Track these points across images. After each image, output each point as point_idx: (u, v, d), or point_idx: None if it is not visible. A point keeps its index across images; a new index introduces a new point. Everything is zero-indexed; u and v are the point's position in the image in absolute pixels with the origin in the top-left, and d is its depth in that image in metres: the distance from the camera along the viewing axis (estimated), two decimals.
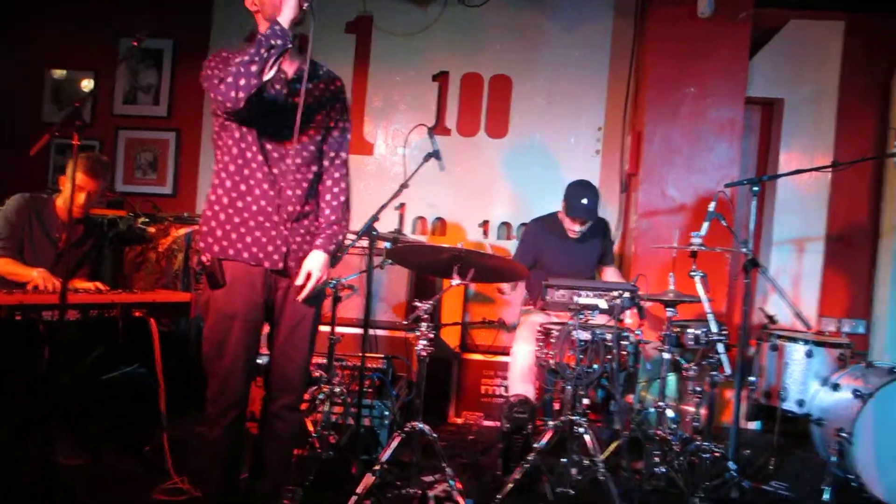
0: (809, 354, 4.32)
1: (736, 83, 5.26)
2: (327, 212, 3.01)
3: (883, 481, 3.83)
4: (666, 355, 4.02)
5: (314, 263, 2.95)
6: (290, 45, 2.65)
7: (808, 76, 5.51)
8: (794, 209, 5.53)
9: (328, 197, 3.01)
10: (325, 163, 3.01)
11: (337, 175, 3.03)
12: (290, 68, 2.88)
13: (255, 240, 2.86)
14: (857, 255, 5.63)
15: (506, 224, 5.77)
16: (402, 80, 5.83)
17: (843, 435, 3.89)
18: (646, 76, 5.39)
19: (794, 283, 5.50)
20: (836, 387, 4.16)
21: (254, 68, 2.60)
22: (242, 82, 2.61)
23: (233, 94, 2.62)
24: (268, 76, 2.63)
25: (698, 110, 5.28)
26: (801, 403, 4.31)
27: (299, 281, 2.93)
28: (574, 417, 3.55)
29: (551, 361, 3.72)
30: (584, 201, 4.39)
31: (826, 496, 3.88)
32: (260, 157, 2.83)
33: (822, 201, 5.53)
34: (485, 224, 5.77)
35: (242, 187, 2.84)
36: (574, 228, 4.47)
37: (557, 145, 5.73)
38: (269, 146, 2.84)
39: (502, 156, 5.76)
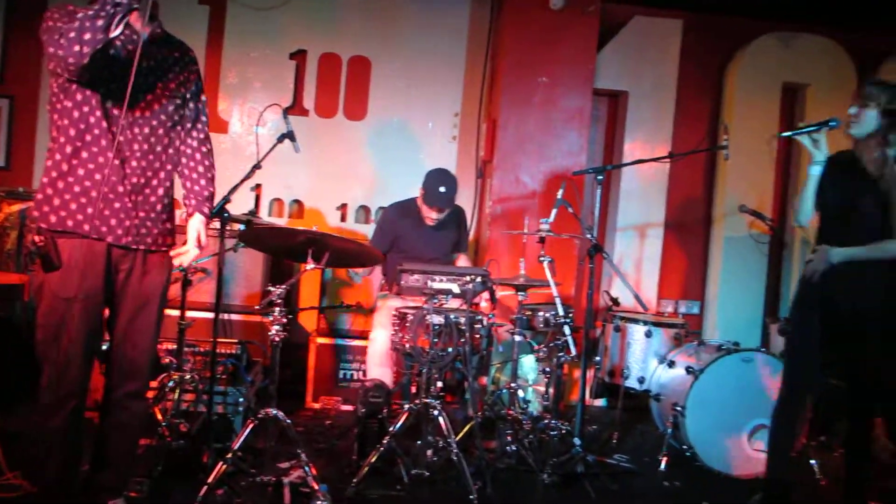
0: (648, 334, 4.58)
1: (585, 74, 5.45)
2: (203, 182, 2.97)
3: (711, 450, 4.13)
4: (517, 338, 4.14)
5: (201, 226, 2.94)
6: (136, 5, 2.49)
7: (649, 70, 5.79)
8: (637, 197, 5.81)
9: (201, 169, 2.97)
10: (189, 139, 2.94)
11: (204, 148, 2.99)
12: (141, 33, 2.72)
13: (98, 212, 2.66)
14: (693, 240, 6.00)
15: (364, 208, 5.74)
16: (258, 56, 5.64)
17: (678, 409, 4.15)
18: (501, 64, 5.47)
19: (636, 268, 5.79)
20: (671, 364, 4.43)
21: (100, 23, 2.40)
22: (87, 36, 2.40)
23: (76, 48, 2.41)
24: (114, 33, 2.45)
25: (550, 99, 5.42)
26: (641, 380, 4.56)
27: (190, 243, 2.92)
28: (428, 400, 3.60)
29: (407, 345, 3.74)
30: (442, 189, 4.42)
31: (662, 466, 4.14)
32: (104, 123, 2.64)
33: (662, 190, 5.84)
34: (343, 207, 5.71)
35: (84, 154, 2.64)
36: (431, 216, 4.49)
37: (416, 130, 5.73)
38: (115, 111, 2.66)
39: (361, 138, 5.70)
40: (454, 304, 3.90)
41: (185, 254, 2.94)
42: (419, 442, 3.62)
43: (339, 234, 3.77)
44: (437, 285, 3.73)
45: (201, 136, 2.98)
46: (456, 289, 3.73)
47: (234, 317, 4.74)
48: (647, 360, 4.58)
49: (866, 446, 3.33)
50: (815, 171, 3.29)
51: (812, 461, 4.15)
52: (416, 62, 5.71)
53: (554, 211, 4.11)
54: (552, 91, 5.42)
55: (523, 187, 5.40)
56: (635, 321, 4.66)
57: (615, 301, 4.86)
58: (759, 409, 4.09)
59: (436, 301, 3.70)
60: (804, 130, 3.27)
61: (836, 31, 5.86)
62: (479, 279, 3.75)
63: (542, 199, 5.37)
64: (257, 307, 4.12)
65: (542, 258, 4.05)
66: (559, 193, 4.13)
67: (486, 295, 4.21)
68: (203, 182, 2.98)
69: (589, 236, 4.10)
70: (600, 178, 4.21)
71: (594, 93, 5.56)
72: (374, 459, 3.49)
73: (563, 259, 5.25)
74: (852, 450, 3.37)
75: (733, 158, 5.65)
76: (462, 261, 4.86)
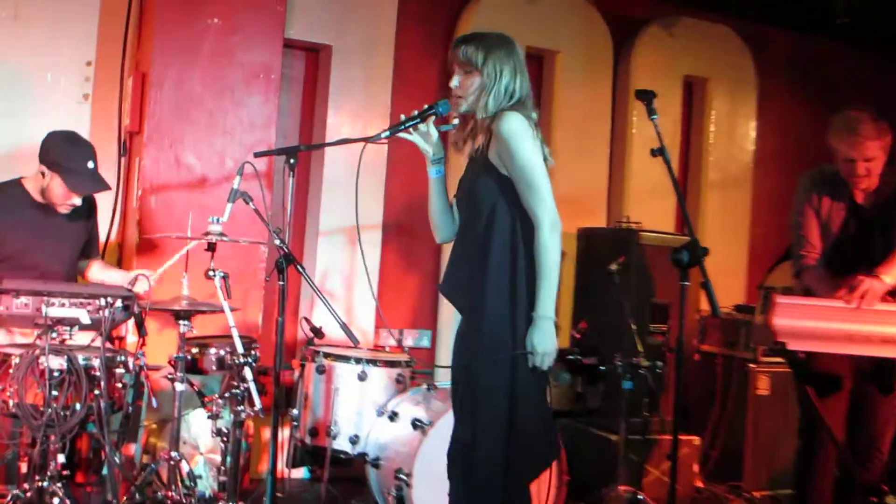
0: (363, 377, 4.64)
1: (273, 19, 5.46)
2: None
3: None
4: (180, 386, 4.05)
5: None
6: None
7: (359, 20, 5.92)
8: (346, 189, 5.84)
9: None
10: None
11: None
12: None
13: None
14: (422, 248, 6.18)
15: None
16: None
17: (402, 477, 4.24)
18: None
19: (346, 286, 5.87)
20: (393, 416, 4.53)
21: None
22: None
23: None
24: None
25: (225, 49, 5.35)
26: (354, 441, 4.61)
27: None
28: (44, 484, 3.43)
29: (10, 402, 3.50)
30: (92, 165, 4.29)
31: None
32: None
33: (380, 180, 5.97)
34: None
35: None
36: (72, 202, 4.33)
37: (28, 82, 5.34)
38: None
39: None
40: (84, 338, 3.72)
41: None
42: None
43: None
44: (56, 312, 3.55)
45: None
46: (85, 317, 3.59)
47: None
48: (361, 413, 4.65)
49: None
50: (435, 173, 3.61)
51: None
52: None
53: (228, 206, 4.06)
54: (228, 38, 5.35)
55: (187, 171, 5.27)
56: (345, 359, 4.71)
57: (317, 332, 4.88)
58: None
59: (55, 335, 3.51)
60: (406, 124, 3.46)
61: None
62: (120, 302, 3.60)
63: (214, 188, 5.28)
64: None
65: (211, 273, 4.01)
66: (235, 182, 4.08)
67: (131, 325, 4.05)
68: None
69: (278, 243, 4.07)
70: (293, 161, 4.22)
71: (286, 44, 5.59)
72: None
73: (245, 274, 5.22)
74: None
75: None
76: (97, 271, 4.69)
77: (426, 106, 3.42)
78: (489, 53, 3.34)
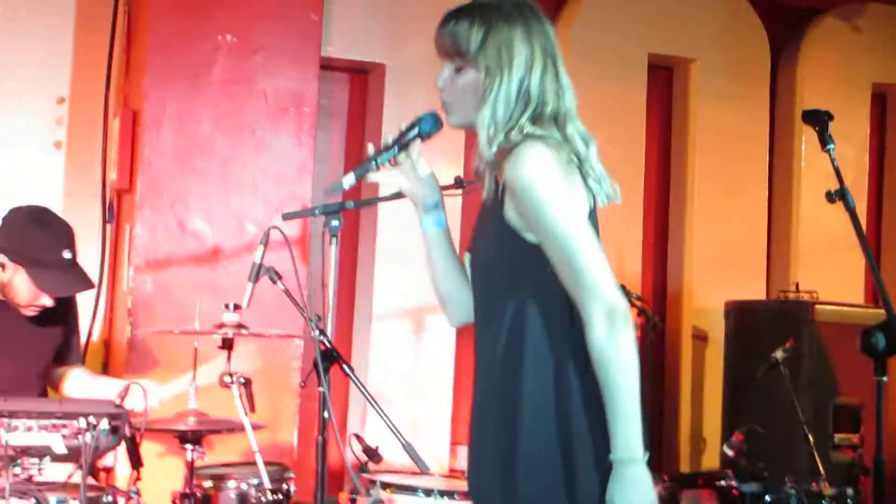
0: None
1: (305, 32, 5.55)
2: None
3: None
4: None
5: None
6: None
7: (418, 30, 5.90)
8: (405, 257, 5.85)
9: None
10: None
11: None
12: None
13: None
14: None
15: None
16: None
17: None
18: (145, 8, 5.43)
19: (410, 389, 5.82)
20: None
21: None
22: None
23: None
24: None
25: (242, 75, 5.44)
26: None
27: None
28: None
29: None
30: (68, 255, 4.31)
31: None
32: None
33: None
34: None
35: None
36: (40, 303, 4.36)
37: None
38: None
39: None
40: (59, 473, 3.73)
41: None
42: None
43: None
44: (20, 438, 3.57)
45: None
46: (60, 444, 3.59)
47: None
48: None
49: None
50: (433, 225, 3.14)
51: None
52: None
53: (249, 287, 4.10)
54: (246, 60, 5.45)
55: (194, 241, 5.34)
56: (411, 491, 4.66)
57: (373, 454, 4.86)
58: None
59: (19, 471, 3.55)
60: (379, 158, 2.99)
61: None
62: (106, 423, 3.63)
63: (230, 263, 5.34)
64: None
65: (228, 379, 4.05)
66: (258, 254, 4.12)
67: (121, 453, 4.07)
68: None
69: (317, 335, 4.08)
70: (335, 224, 4.23)
71: (323, 65, 5.68)
72: None
73: (273, 379, 5.26)
74: None
75: None
76: (77, 382, 4.69)
77: (403, 126, 2.97)
78: (490, 32, 2.82)
